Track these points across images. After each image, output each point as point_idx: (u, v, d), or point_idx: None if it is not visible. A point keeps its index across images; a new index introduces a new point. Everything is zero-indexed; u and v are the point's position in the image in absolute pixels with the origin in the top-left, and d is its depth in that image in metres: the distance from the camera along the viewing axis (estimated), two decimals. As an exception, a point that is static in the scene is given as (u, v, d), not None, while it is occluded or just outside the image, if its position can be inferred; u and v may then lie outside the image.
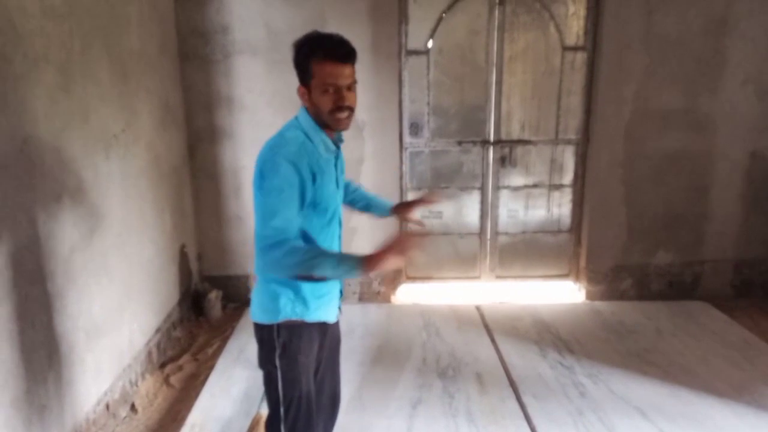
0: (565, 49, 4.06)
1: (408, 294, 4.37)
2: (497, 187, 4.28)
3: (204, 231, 4.15)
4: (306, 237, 1.75)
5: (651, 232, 4.19)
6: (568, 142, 4.21)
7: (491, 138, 4.19)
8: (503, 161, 4.23)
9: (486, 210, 4.31)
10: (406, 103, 4.10)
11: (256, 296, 1.82)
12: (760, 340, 3.57)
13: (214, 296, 4.01)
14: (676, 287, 4.29)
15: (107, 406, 2.74)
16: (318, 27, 1.75)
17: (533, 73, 4.10)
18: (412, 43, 4.03)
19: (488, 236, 4.36)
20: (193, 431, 2.69)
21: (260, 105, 3.90)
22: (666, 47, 3.90)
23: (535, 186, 4.29)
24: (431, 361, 3.32)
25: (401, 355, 3.39)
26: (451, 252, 4.39)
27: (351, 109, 1.71)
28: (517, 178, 4.27)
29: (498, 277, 4.44)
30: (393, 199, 4.10)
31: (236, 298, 4.21)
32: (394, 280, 4.30)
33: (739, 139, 4.07)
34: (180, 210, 3.83)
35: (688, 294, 4.29)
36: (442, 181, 4.26)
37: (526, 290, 4.40)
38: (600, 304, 4.18)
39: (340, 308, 1.97)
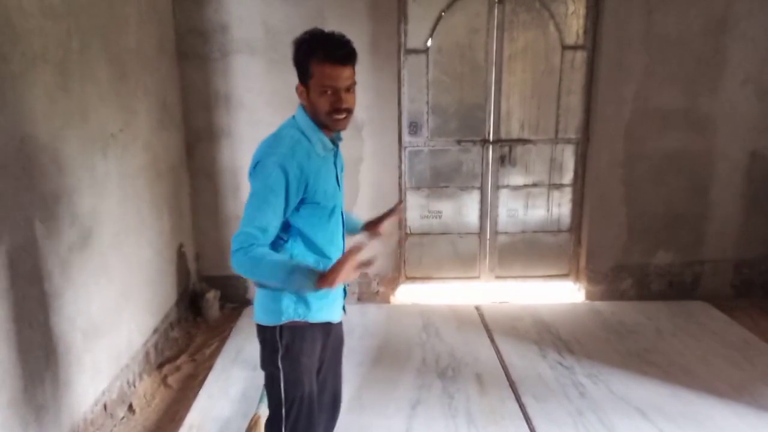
0: (565, 48, 4.05)
1: (407, 294, 4.36)
2: (497, 187, 4.27)
3: (202, 231, 4.14)
4: (304, 236, 1.74)
5: (651, 231, 4.18)
6: (568, 141, 4.20)
7: (491, 137, 4.18)
8: (503, 160, 4.22)
9: (485, 209, 4.30)
10: (405, 102, 4.09)
11: (258, 298, 1.80)
12: (760, 340, 3.56)
13: (212, 296, 4.00)
14: (676, 287, 4.28)
15: (105, 407, 2.73)
16: (317, 26, 1.73)
17: (533, 72, 4.09)
18: (412, 42, 4.02)
19: (488, 236, 4.35)
20: (192, 432, 2.68)
21: (259, 104, 3.89)
22: (666, 47, 3.89)
23: (534, 185, 4.28)
24: (431, 361, 3.31)
25: (401, 356, 3.38)
26: (451, 252, 4.38)
27: (349, 111, 1.70)
28: (516, 178, 4.26)
29: (498, 277, 4.43)
30: (392, 200, 4.11)
31: (234, 299, 4.20)
32: (394, 280, 4.29)
33: (739, 139, 4.07)
34: (178, 210, 3.82)
35: (688, 294, 4.28)
36: (442, 180, 4.25)
37: (526, 290, 4.39)
38: (600, 304, 4.17)
39: (344, 308, 1.96)
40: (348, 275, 1.52)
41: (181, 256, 3.84)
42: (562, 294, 4.39)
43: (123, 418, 2.87)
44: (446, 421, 2.73)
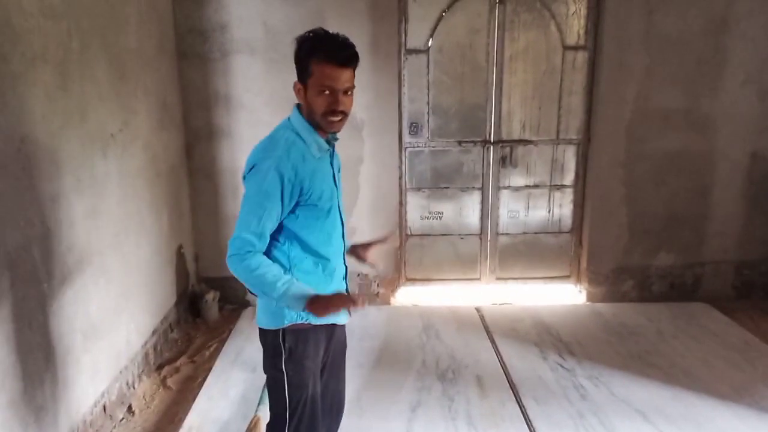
0: (566, 48, 4.04)
1: (407, 296, 4.35)
2: (498, 188, 4.26)
3: (201, 231, 4.12)
4: (300, 239, 1.73)
5: (652, 233, 4.17)
6: (569, 142, 4.19)
7: (492, 138, 4.17)
8: (504, 161, 4.21)
9: (486, 211, 4.29)
10: (405, 103, 4.08)
11: (260, 301, 1.79)
12: (761, 341, 3.55)
13: (212, 298, 3.99)
14: (678, 289, 4.28)
15: (104, 408, 2.72)
16: (317, 26, 1.72)
17: (534, 73, 4.08)
18: (412, 42, 4.01)
19: (488, 237, 4.34)
20: (191, 434, 2.67)
21: (258, 104, 3.88)
22: (666, 47, 3.89)
23: (535, 186, 4.27)
24: (431, 363, 3.30)
25: (400, 358, 3.37)
26: (451, 253, 4.37)
27: (344, 114, 1.70)
28: (517, 179, 4.25)
29: (498, 278, 4.42)
30: (392, 201, 4.11)
31: (234, 300, 4.18)
32: (394, 281, 4.28)
33: (739, 140, 4.06)
34: (177, 210, 3.81)
35: (689, 295, 4.27)
36: (442, 181, 4.24)
37: (527, 292, 4.38)
38: (601, 306, 4.16)
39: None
40: (338, 309, 1.62)
41: (180, 256, 3.83)
42: (563, 296, 4.37)
43: (122, 419, 2.86)
44: (446, 424, 2.72)
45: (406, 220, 4.28)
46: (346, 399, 2.08)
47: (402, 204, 4.22)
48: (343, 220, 1.88)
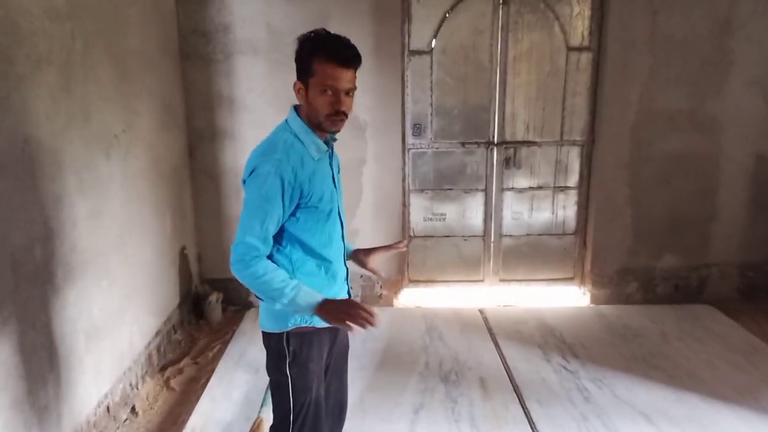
0: (570, 49, 4.03)
1: (411, 297, 4.34)
2: (501, 189, 4.25)
3: (204, 232, 4.12)
4: (302, 242, 1.72)
5: (657, 234, 4.16)
6: (574, 143, 4.18)
7: (495, 139, 4.16)
8: (507, 162, 4.20)
9: (490, 212, 4.28)
10: (408, 104, 4.08)
11: (263, 304, 1.78)
12: (765, 344, 3.53)
13: (215, 299, 3.99)
14: (682, 291, 4.26)
15: (108, 409, 2.72)
16: (320, 27, 1.71)
17: (538, 74, 4.07)
18: (415, 43, 4.00)
19: (492, 239, 4.33)
20: (194, 435, 2.67)
21: (261, 105, 3.88)
22: (671, 48, 3.87)
23: (539, 188, 4.26)
24: (434, 365, 3.29)
25: (403, 360, 3.36)
26: (455, 255, 4.36)
27: (345, 115, 1.69)
28: (521, 180, 4.24)
29: (502, 280, 4.41)
30: (395, 202, 4.10)
31: (237, 301, 4.18)
32: (397, 283, 4.27)
33: (744, 141, 4.04)
34: (180, 211, 3.81)
35: (694, 297, 4.25)
36: (446, 182, 4.23)
37: (531, 294, 4.37)
38: (605, 308, 4.15)
39: None
40: (347, 319, 1.56)
41: (183, 258, 3.83)
42: (567, 297, 4.36)
43: (126, 420, 2.86)
44: (449, 426, 2.72)
45: (409, 222, 4.27)
46: (349, 401, 2.08)
47: (405, 205, 4.22)
48: (343, 221, 1.87)
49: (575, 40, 4.02)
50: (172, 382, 3.21)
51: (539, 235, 4.34)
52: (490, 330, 3.75)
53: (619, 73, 3.92)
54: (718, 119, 4.00)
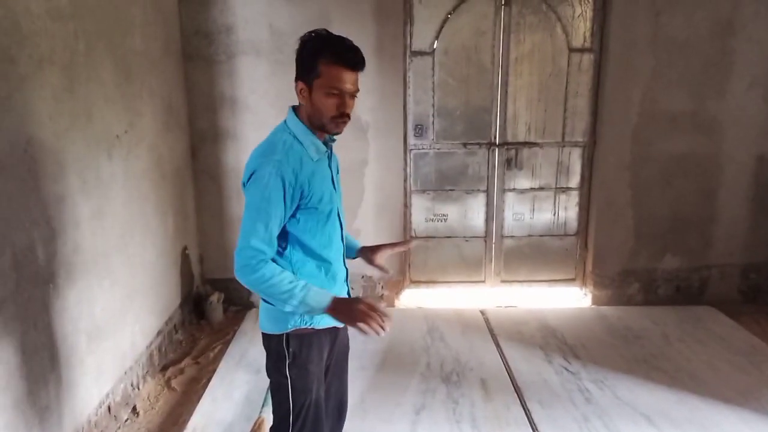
0: (572, 50, 4.03)
1: (412, 298, 4.34)
2: (503, 190, 4.24)
3: (206, 233, 4.13)
4: (302, 243, 1.72)
5: (658, 236, 4.15)
6: (575, 144, 4.18)
7: (497, 140, 4.16)
8: (509, 163, 4.20)
9: (491, 213, 4.28)
10: (410, 105, 4.08)
11: (263, 306, 1.78)
12: (767, 345, 3.53)
13: (216, 299, 3.99)
14: (684, 292, 4.25)
15: (109, 409, 2.72)
16: (322, 28, 1.71)
17: (539, 75, 4.07)
18: (417, 44, 4.01)
19: (493, 240, 4.33)
20: (195, 435, 2.67)
21: (263, 106, 3.89)
22: (673, 49, 3.87)
23: (541, 189, 4.26)
24: (435, 366, 3.29)
25: (405, 360, 3.36)
26: (456, 256, 4.36)
27: (349, 117, 1.69)
28: (523, 181, 4.24)
29: (503, 281, 4.40)
30: (396, 203, 4.10)
31: (238, 302, 4.19)
32: (398, 284, 4.27)
33: (746, 143, 4.04)
34: (182, 212, 3.81)
35: (695, 299, 4.24)
36: (447, 183, 4.23)
37: (532, 295, 4.37)
38: (606, 309, 4.14)
39: None
40: (362, 322, 1.56)
41: (185, 258, 3.83)
42: (569, 298, 4.36)
43: (127, 420, 2.86)
44: (450, 427, 2.72)
45: (410, 223, 4.27)
46: (350, 401, 2.08)
47: (407, 206, 4.22)
48: (342, 222, 1.86)
49: (577, 41, 4.02)
50: (173, 382, 3.22)
51: (541, 236, 4.34)
52: (491, 331, 3.74)
53: (621, 74, 3.91)
54: (720, 120, 4.00)
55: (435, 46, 4.01)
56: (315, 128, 1.71)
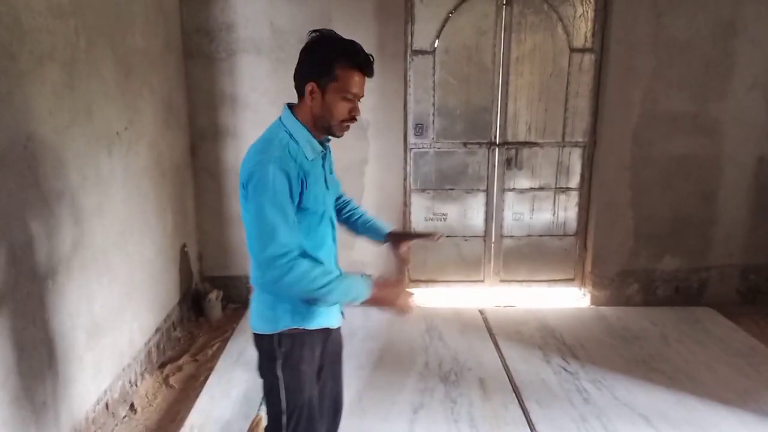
0: (573, 50, 4.02)
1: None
2: (503, 190, 4.24)
3: (205, 230, 4.13)
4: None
5: (658, 236, 4.15)
6: (575, 144, 4.18)
7: (497, 140, 4.16)
8: (509, 163, 4.19)
9: (491, 213, 4.28)
10: (411, 104, 4.08)
11: (254, 306, 1.77)
12: (766, 347, 3.53)
13: (215, 297, 3.99)
14: (683, 293, 4.25)
15: (106, 406, 2.72)
16: (323, 26, 1.71)
17: (540, 75, 4.07)
18: (418, 43, 4.00)
19: (493, 239, 4.33)
20: (193, 433, 2.67)
21: (264, 104, 3.88)
22: (674, 50, 3.87)
23: (541, 189, 4.26)
24: (433, 365, 3.29)
25: (403, 359, 3.36)
26: (455, 255, 4.36)
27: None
28: (522, 181, 4.24)
29: (502, 281, 4.40)
30: (397, 202, 4.10)
31: (237, 299, 4.19)
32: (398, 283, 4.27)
33: (747, 144, 4.04)
34: (182, 209, 3.81)
35: (694, 300, 4.24)
36: (447, 182, 4.23)
37: (531, 295, 4.37)
38: (605, 310, 4.14)
39: (342, 313, 1.93)
40: (394, 305, 1.70)
41: (184, 255, 3.83)
42: (567, 299, 4.36)
43: (125, 417, 2.86)
44: (448, 426, 2.71)
45: (410, 222, 4.27)
46: (347, 400, 2.07)
47: (406, 205, 4.22)
48: (334, 223, 1.84)
49: (578, 42, 4.02)
50: (172, 380, 3.22)
51: (540, 236, 4.33)
52: (490, 330, 3.74)
53: (622, 74, 3.91)
54: (721, 122, 4.00)
55: (436, 46, 4.00)
56: (319, 129, 1.69)
